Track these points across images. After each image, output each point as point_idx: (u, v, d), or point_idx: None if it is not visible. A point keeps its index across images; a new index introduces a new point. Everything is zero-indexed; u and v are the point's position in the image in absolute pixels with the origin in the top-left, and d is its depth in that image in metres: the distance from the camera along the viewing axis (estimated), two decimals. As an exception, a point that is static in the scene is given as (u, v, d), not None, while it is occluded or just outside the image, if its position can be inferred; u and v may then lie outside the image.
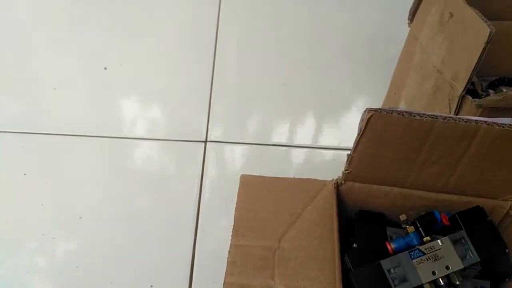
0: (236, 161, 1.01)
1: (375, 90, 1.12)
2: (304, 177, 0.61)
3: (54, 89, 1.14)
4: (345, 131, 1.08)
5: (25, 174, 0.94)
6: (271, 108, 1.13)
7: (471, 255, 0.54)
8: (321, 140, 1.06)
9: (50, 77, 1.18)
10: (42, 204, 0.89)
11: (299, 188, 0.58)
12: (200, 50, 1.29)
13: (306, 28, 1.39)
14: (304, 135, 1.07)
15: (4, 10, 1.39)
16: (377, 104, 0.89)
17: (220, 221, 0.88)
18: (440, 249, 0.53)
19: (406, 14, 0.91)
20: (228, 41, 1.32)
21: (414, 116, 0.51)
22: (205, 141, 1.03)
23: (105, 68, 1.20)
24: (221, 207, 0.90)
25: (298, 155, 1.03)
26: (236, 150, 1.03)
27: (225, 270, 0.52)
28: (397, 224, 0.60)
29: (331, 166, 1.00)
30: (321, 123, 1.10)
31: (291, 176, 0.61)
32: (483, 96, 0.74)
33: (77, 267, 0.80)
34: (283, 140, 1.05)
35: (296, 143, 1.05)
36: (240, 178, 0.59)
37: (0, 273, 0.79)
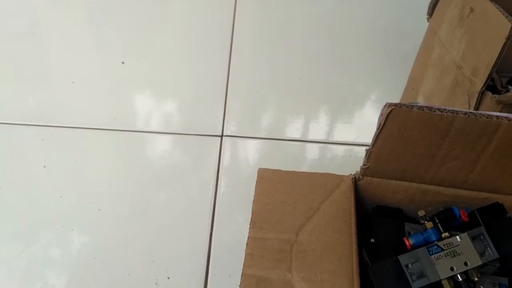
0: (252, 155, 1.01)
1: (392, 85, 1.11)
2: (320, 172, 0.61)
3: (73, 83, 1.15)
4: (361, 127, 1.08)
5: (44, 166, 0.96)
6: (287, 103, 1.13)
7: (490, 252, 0.53)
8: (337, 135, 1.06)
9: (69, 71, 1.19)
10: (61, 196, 0.91)
11: (317, 182, 0.58)
12: (216, 45, 1.29)
13: (322, 23, 1.39)
14: (320, 130, 1.07)
15: (23, 5, 1.41)
16: (394, 100, 0.88)
17: (236, 214, 0.88)
18: (458, 245, 0.53)
19: (422, 9, 0.90)
20: (244, 35, 1.33)
21: (434, 111, 0.50)
22: (221, 136, 1.04)
23: (123, 63, 1.22)
24: (237, 201, 0.90)
25: (314, 150, 1.03)
26: (252, 145, 1.03)
27: (241, 262, 0.52)
28: (415, 220, 0.59)
29: (347, 161, 1.00)
30: (337, 118, 1.10)
31: (307, 171, 0.61)
32: (502, 92, 0.73)
33: (95, 258, 0.82)
34: (299, 135, 1.05)
35: (312, 138, 1.05)
36: (257, 171, 0.60)
37: (19, 263, 0.81)
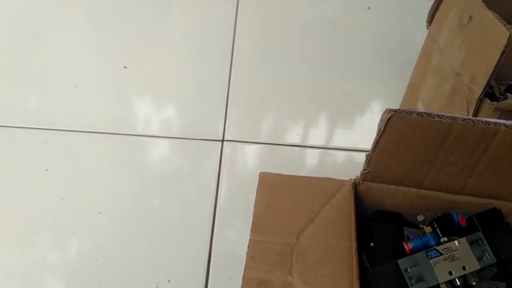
0: (252, 160, 1.02)
1: (392, 91, 1.12)
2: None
3: (76, 86, 1.16)
4: (361, 132, 1.09)
5: (46, 170, 0.97)
6: (287, 109, 1.14)
7: (488, 256, 0.54)
8: (337, 141, 1.07)
9: (71, 75, 1.20)
10: (62, 199, 0.91)
11: (318, 186, 0.58)
12: (218, 50, 1.30)
13: (323, 29, 1.40)
14: (320, 135, 1.08)
15: (26, 9, 1.42)
16: (394, 106, 0.89)
17: (236, 218, 0.89)
18: (457, 249, 0.53)
19: (422, 16, 0.91)
20: (246, 41, 1.34)
21: (433, 117, 0.51)
22: (222, 140, 1.04)
23: (125, 67, 1.23)
24: (237, 205, 0.91)
25: (314, 156, 1.03)
26: (253, 150, 1.04)
27: (242, 266, 0.52)
28: (414, 225, 0.60)
29: (347, 167, 1.00)
30: (337, 124, 1.11)
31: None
32: (501, 100, 0.74)
33: (96, 261, 0.82)
34: (299, 141, 1.06)
35: (312, 143, 1.05)
36: (259, 175, 0.60)
37: (20, 266, 0.82)
